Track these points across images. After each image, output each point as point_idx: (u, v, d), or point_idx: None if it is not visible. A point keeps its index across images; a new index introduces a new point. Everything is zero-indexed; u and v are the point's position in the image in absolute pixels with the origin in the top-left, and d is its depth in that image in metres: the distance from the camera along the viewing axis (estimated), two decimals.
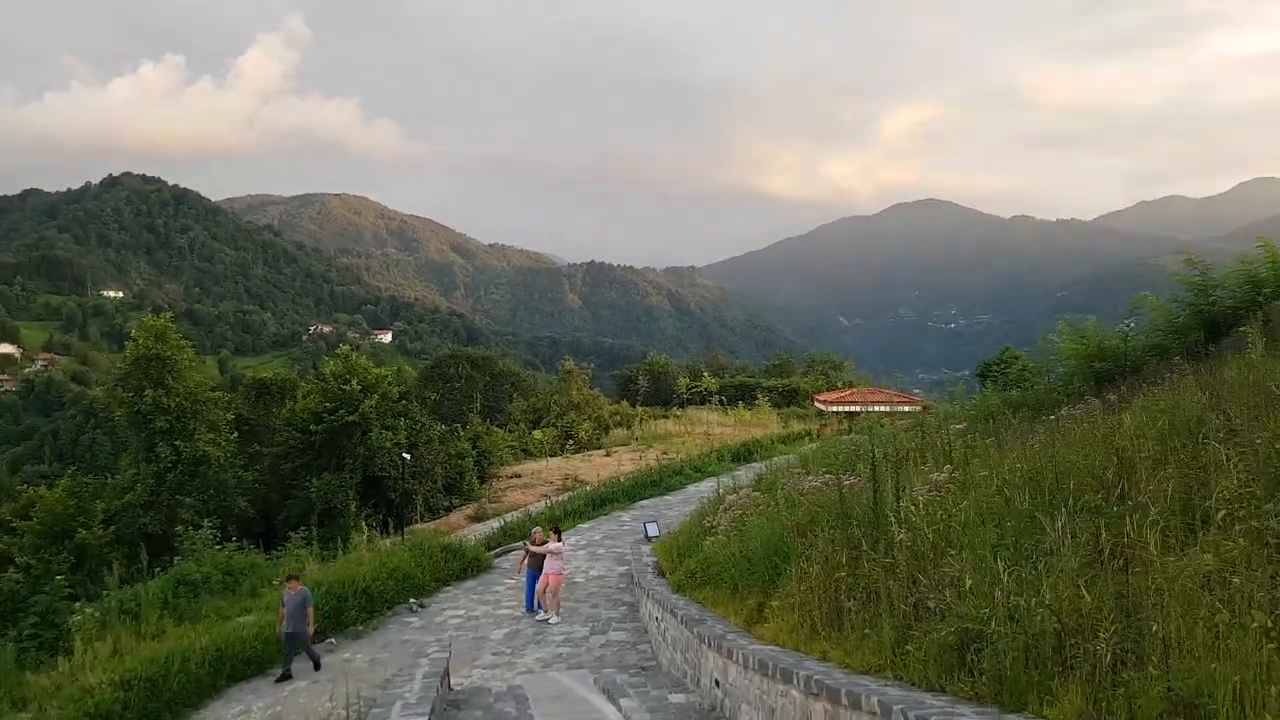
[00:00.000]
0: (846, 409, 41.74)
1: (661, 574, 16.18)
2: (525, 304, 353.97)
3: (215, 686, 13.58)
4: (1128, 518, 4.79)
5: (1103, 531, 4.75)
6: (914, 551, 6.49)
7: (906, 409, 27.73)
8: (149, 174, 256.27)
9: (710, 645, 9.21)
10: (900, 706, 4.35)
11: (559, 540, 16.67)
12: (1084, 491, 5.76)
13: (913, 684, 5.27)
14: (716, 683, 8.97)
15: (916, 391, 51.45)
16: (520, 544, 17.01)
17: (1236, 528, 4.28)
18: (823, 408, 46.67)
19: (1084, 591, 4.19)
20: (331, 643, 15.43)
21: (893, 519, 7.07)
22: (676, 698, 9.88)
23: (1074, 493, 5.79)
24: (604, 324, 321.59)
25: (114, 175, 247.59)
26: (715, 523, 13.59)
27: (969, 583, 5.13)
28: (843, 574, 7.27)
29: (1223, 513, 4.37)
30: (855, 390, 49.01)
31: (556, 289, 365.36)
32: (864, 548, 7.32)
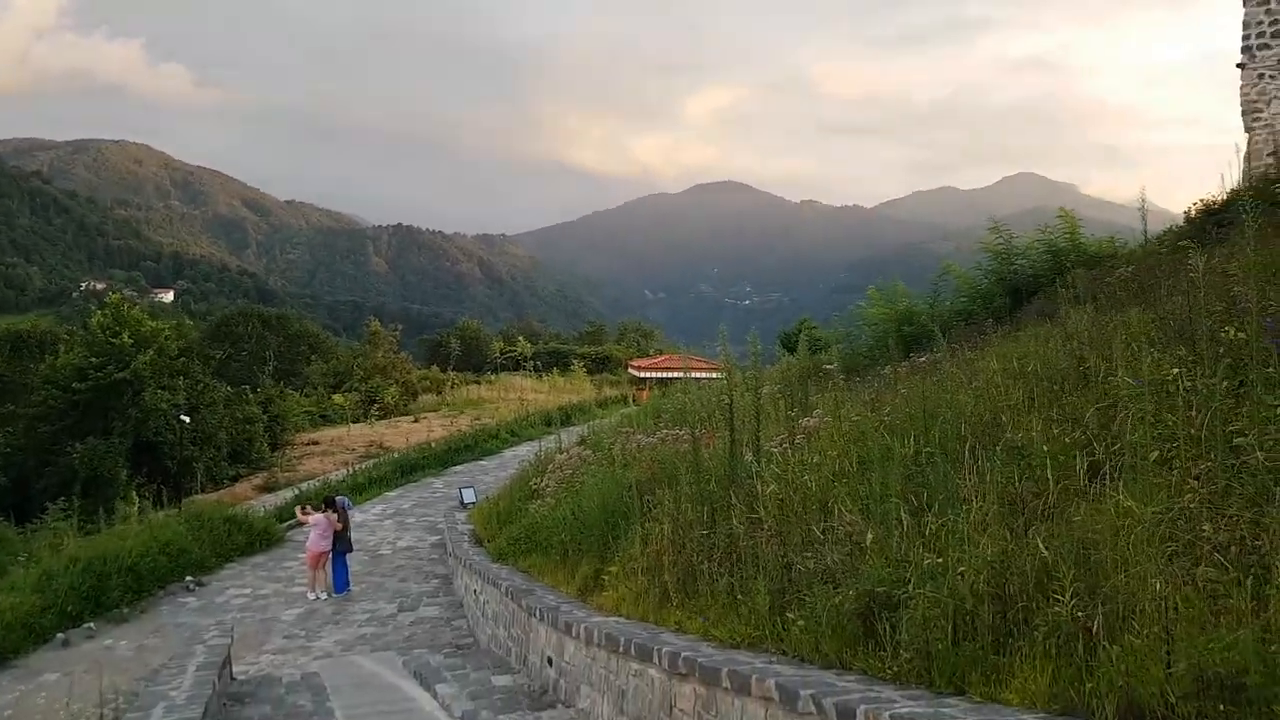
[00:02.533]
0: (660, 375, 41.98)
1: (479, 543, 15.01)
2: (326, 266, 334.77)
3: None
4: (1042, 461, 4.23)
5: (1017, 476, 4.17)
6: (785, 505, 5.80)
7: (715, 375, 27.95)
8: None
9: (542, 619, 8.24)
10: (809, 692, 3.55)
11: (327, 512, 15.32)
12: (969, 437, 5.27)
13: (802, 659, 4.54)
14: (549, 661, 8.01)
15: (722, 359, 52.64)
16: (320, 514, 15.28)
17: (1173, 470, 3.79)
18: (636, 374, 46.71)
19: (1040, 544, 3.54)
20: (90, 628, 13.17)
21: (756, 469, 6.37)
22: (501, 679, 8.84)
23: (960, 439, 5.29)
24: (412, 289, 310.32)
25: None
26: (542, 485, 12.59)
27: (870, 538, 4.42)
28: (699, 532, 6.51)
29: (1155, 454, 3.87)
30: (667, 357, 49.42)
31: (360, 251, 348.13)
32: (723, 504, 6.61)
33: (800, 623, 4.71)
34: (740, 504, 6.11)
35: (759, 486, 6.27)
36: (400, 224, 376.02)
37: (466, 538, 15.55)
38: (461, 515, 17.54)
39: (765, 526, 5.71)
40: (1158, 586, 2.94)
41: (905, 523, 4.41)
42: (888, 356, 13.18)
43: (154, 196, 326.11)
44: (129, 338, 26.93)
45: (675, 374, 39.98)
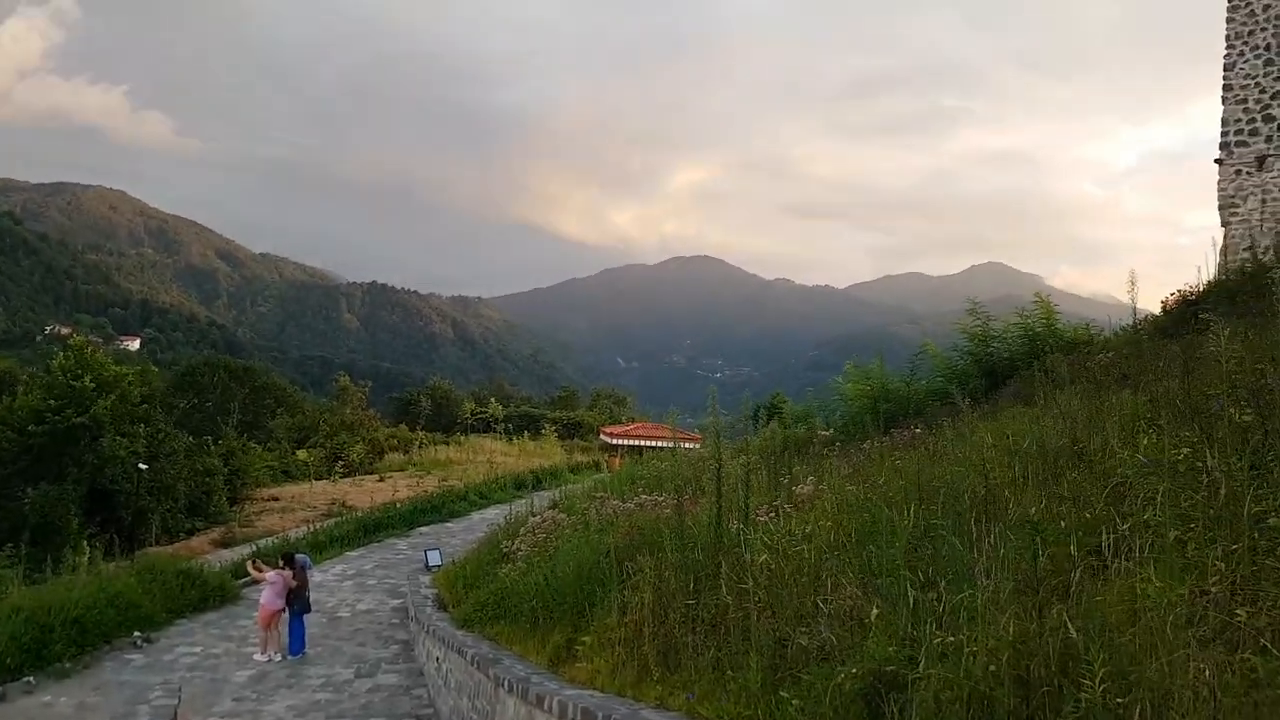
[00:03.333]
0: (632, 443, 41.65)
1: (444, 607, 14.50)
2: (296, 320, 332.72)
3: None
4: (1057, 537, 4.08)
5: (1031, 553, 4.01)
6: (776, 576, 5.58)
7: (689, 445, 27.75)
8: None
9: (511, 690, 7.83)
10: None
11: (283, 569, 14.82)
12: (971, 511, 5.12)
13: None
14: None
15: (696, 430, 52.49)
16: (275, 571, 14.69)
17: (1190, 551, 3.66)
18: (609, 440, 46.30)
19: (1067, 623, 3.36)
20: (29, 682, 12.40)
21: (745, 538, 6.16)
22: None
23: (960, 513, 5.14)
24: (383, 348, 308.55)
25: None
26: (513, 548, 12.21)
27: (874, 613, 4.22)
28: (685, 603, 6.24)
29: (1174, 534, 3.74)
30: (640, 424, 49.13)
31: (333, 307, 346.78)
32: (709, 573, 6.37)
33: (795, 702, 4.46)
34: (729, 573, 5.87)
35: (748, 556, 6.05)
36: (375, 281, 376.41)
37: (430, 602, 15.02)
38: (426, 578, 16.99)
39: (756, 598, 5.47)
40: (1203, 672, 2.77)
41: (912, 598, 4.21)
42: (866, 431, 13.14)
43: (127, 243, 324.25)
44: (90, 381, 26.25)
45: (648, 442, 39.76)
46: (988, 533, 4.49)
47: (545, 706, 6.74)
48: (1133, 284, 8.90)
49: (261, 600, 14.48)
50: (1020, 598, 3.83)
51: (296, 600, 14.57)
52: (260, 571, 14.88)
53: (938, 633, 3.85)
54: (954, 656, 3.64)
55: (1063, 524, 4.22)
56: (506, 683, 7.99)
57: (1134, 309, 11.37)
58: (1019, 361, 15.41)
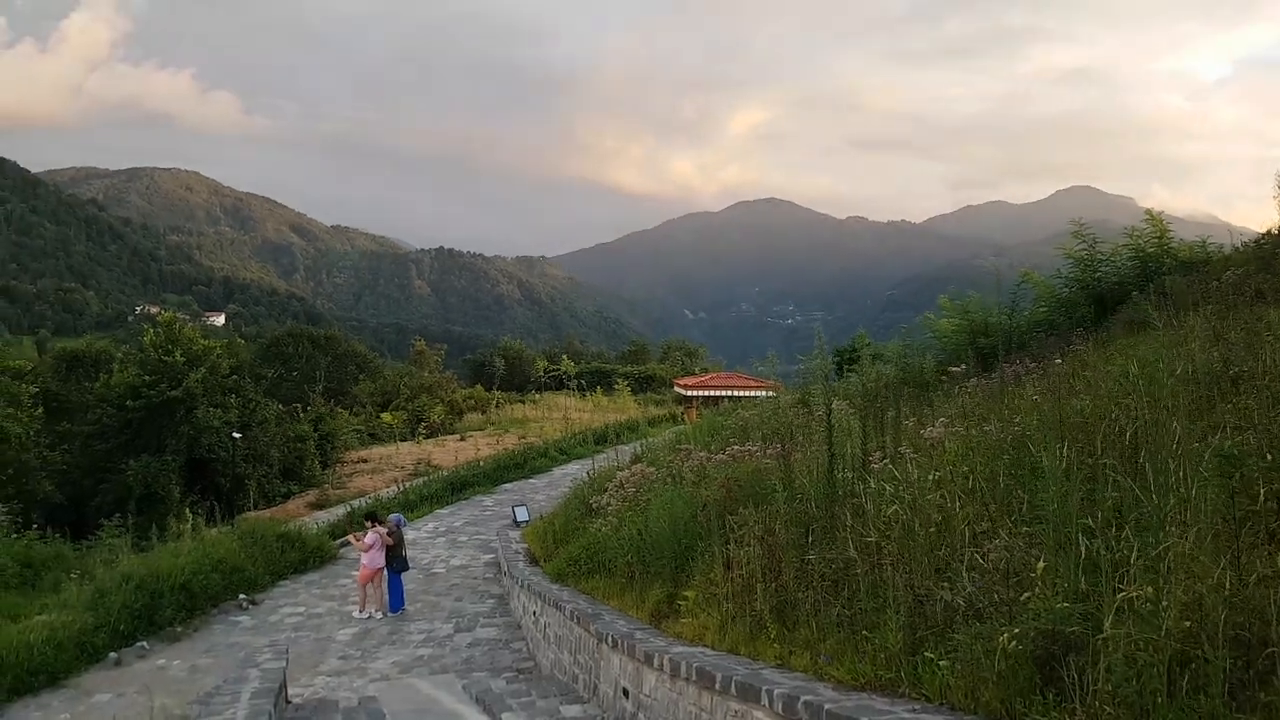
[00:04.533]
0: (707, 393, 41.26)
1: (535, 562, 14.49)
2: (371, 289, 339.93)
3: None
4: (1266, 473, 3.54)
5: (1231, 491, 3.47)
6: (908, 528, 5.13)
7: (766, 394, 27.23)
8: None
9: (615, 646, 7.62)
10: None
11: (376, 526, 15.00)
12: (1140, 446, 4.59)
13: (953, 707, 3.87)
14: (625, 692, 7.38)
15: (773, 378, 51.75)
16: (372, 531, 14.87)
17: None
18: (683, 392, 46.02)
19: None
20: (143, 646, 12.84)
21: (865, 487, 5.73)
22: (571, 710, 8.23)
23: (1125, 449, 4.61)
24: (453, 312, 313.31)
25: None
26: (602, 503, 12.00)
27: (1041, 566, 3.76)
28: (800, 557, 5.86)
29: None
30: (714, 375, 48.72)
31: (404, 275, 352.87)
32: (824, 525, 5.97)
33: (944, 664, 4.05)
34: (853, 525, 5.45)
35: (871, 505, 5.61)
36: (442, 247, 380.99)
37: (522, 557, 15.03)
38: (515, 534, 17.03)
39: (886, 551, 5.05)
40: None
41: (1083, 548, 3.73)
42: (967, 369, 12.42)
43: (205, 222, 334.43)
44: (181, 356, 27.01)
45: (724, 392, 39.30)
46: (1162, 470, 3.96)
47: (656, 664, 6.48)
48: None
49: (362, 560, 14.69)
50: (1224, 545, 3.33)
51: (394, 559, 14.74)
52: (360, 541, 14.97)
53: (1123, 586, 3.37)
54: (1147, 614, 3.18)
55: (1269, 457, 3.66)
56: (610, 639, 7.78)
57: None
58: (1130, 286, 14.33)
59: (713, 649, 6.51)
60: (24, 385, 25.28)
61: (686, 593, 7.70)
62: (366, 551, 14.59)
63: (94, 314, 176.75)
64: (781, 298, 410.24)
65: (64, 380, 30.61)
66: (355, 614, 14.44)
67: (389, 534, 14.92)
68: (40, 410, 25.64)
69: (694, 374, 54.40)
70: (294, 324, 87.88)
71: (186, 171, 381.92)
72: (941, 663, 4.09)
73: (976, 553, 4.52)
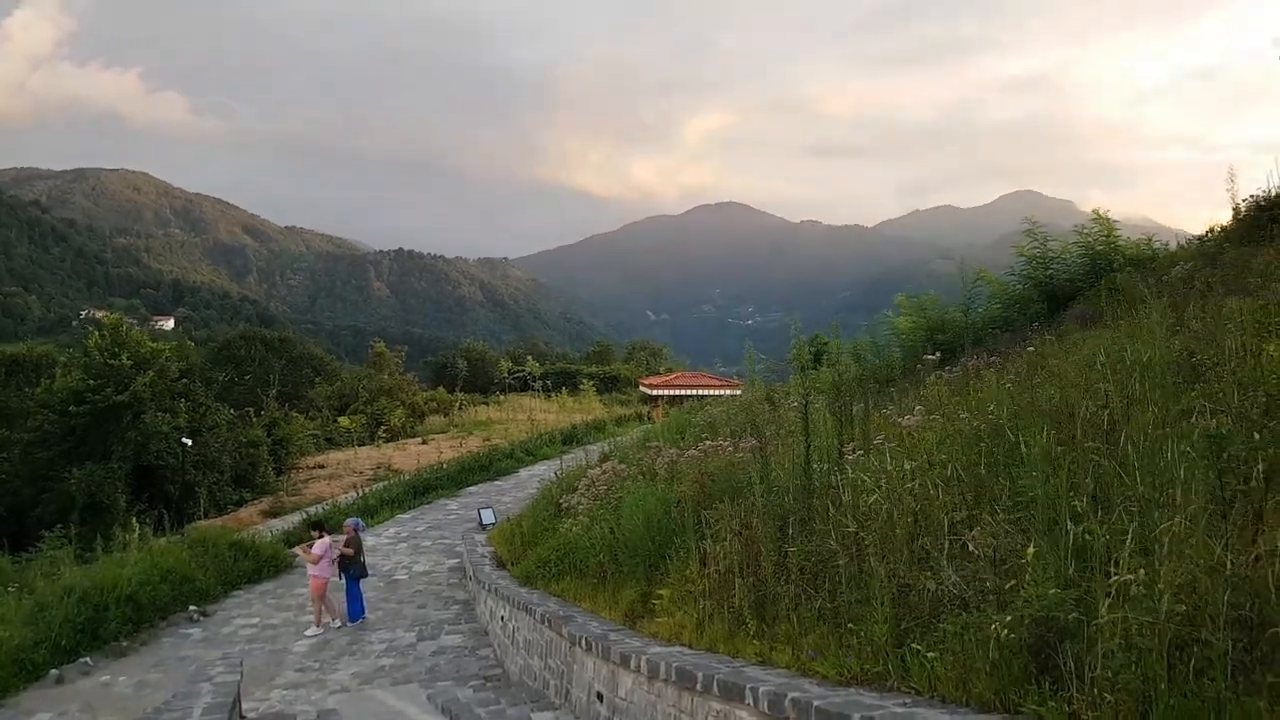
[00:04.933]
0: (673, 393, 41.22)
1: (502, 565, 14.21)
2: (327, 291, 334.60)
3: None
4: (1251, 453, 3.46)
5: (1216, 472, 3.39)
6: (885, 518, 5.02)
7: (730, 393, 27.26)
8: None
9: (589, 649, 7.42)
10: None
11: (321, 536, 14.52)
12: (1119, 429, 4.51)
13: (944, 700, 3.74)
14: (599, 696, 7.18)
15: (736, 377, 51.88)
16: (320, 542, 14.44)
17: None
18: (648, 391, 45.91)
19: None
20: (86, 662, 12.32)
21: (844, 477, 5.60)
22: (542, 717, 8.01)
23: (1104, 433, 4.54)
24: (413, 314, 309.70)
25: None
26: (573, 502, 11.79)
27: (1031, 551, 3.64)
28: (778, 551, 5.73)
29: None
30: (679, 374, 48.68)
31: (362, 276, 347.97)
32: (802, 517, 5.84)
33: (933, 655, 3.93)
34: (835, 516, 5.32)
35: (848, 495, 5.49)
36: (401, 248, 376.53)
37: (488, 561, 14.74)
38: (481, 537, 16.73)
39: (865, 542, 4.92)
40: None
41: (1071, 532, 3.63)
42: (922, 367, 12.44)
43: (153, 224, 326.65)
44: (128, 359, 26.21)
45: (688, 391, 39.28)
46: (1146, 453, 3.88)
47: (632, 666, 6.29)
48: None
49: (312, 571, 14.26)
50: (1213, 526, 3.24)
51: (352, 565, 14.35)
52: (308, 552, 14.43)
53: (1115, 570, 3.27)
54: (1142, 598, 3.07)
55: (1256, 435, 3.59)
56: (583, 641, 7.58)
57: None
58: (1080, 283, 14.64)
59: (690, 648, 6.35)
60: None
61: (661, 591, 7.54)
62: (315, 563, 14.07)
63: (36, 319, 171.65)
64: (742, 299, 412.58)
65: (3, 386, 29.56)
66: (310, 630, 13.91)
67: (347, 540, 14.53)
68: None
69: (659, 374, 54.31)
70: (246, 327, 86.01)
71: (134, 172, 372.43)
72: (930, 654, 3.98)
73: (958, 541, 4.41)
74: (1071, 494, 3.85)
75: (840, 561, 5.05)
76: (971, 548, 4.07)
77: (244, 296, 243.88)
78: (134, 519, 21.24)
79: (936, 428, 5.39)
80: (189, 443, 25.45)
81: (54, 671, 11.75)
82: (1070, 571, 3.60)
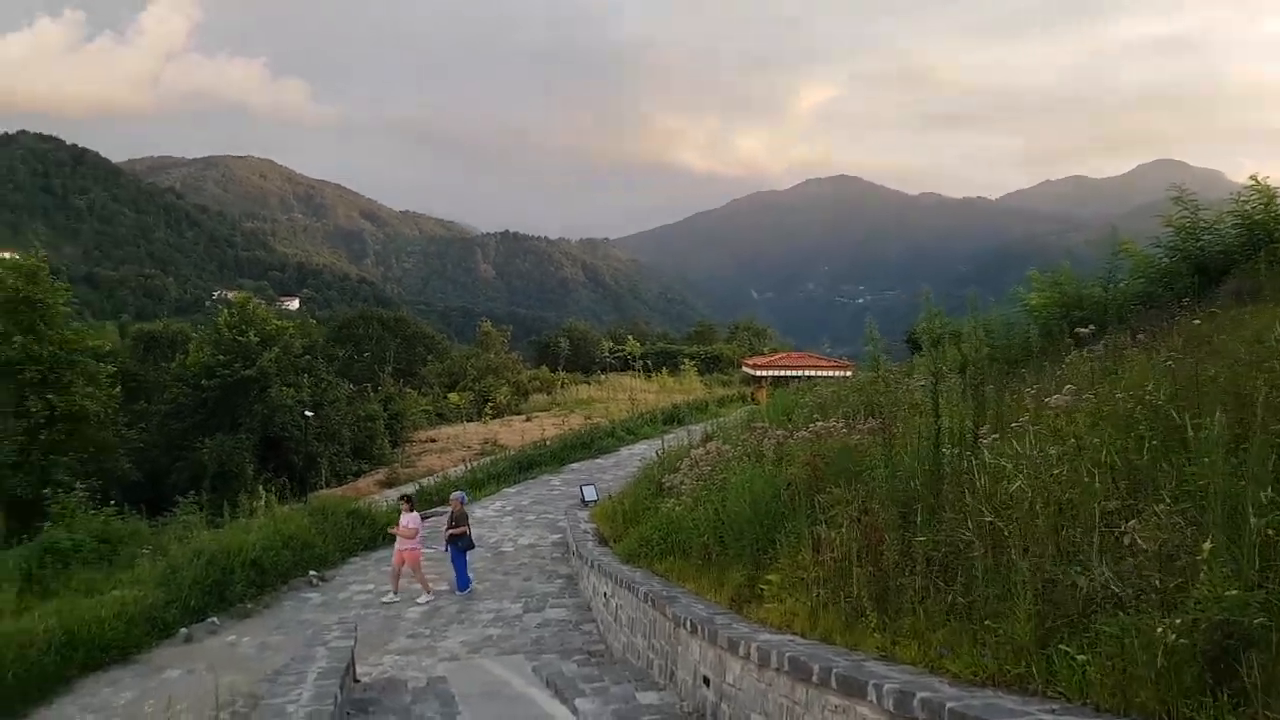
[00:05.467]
0: (777, 374, 40.50)
1: (604, 542, 14.19)
2: (438, 273, 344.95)
3: (63, 677, 10.97)
4: None
5: None
6: (1031, 508, 4.59)
7: (839, 374, 26.49)
8: (46, 133, 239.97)
9: (694, 631, 7.23)
10: None
11: (410, 509, 14.68)
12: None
13: (1098, 708, 3.36)
14: (705, 680, 6.98)
15: (843, 358, 50.64)
16: (441, 509, 14.74)
17: None
18: (751, 372, 45.29)
19: None
20: (214, 622, 12.95)
21: (980, 461, 5.19)
22: (647, 696, 7.88)
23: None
24: (518, 295, 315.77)
25: (9, 134, 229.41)
26: (676, 482, 11.61)
27: (1208, 547, 3.21)
28: (904, 539, 5.36)
29: None
30: (784, 354, 47.86)
31: (470, 259, 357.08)
32: (930, 504, 5.46)
33: (1084, 658, 3.54)
34: (970, 504, 4.92)
35: (985, 482, 5.07)
36: (507, 230, 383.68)
37: (591, 537, 14.75)
38: (583, 513, 16.78)
39: (1007, 533, 4.51)
40: None
41: (1255, 528, 3.18)
42: (1061, 346, 11.66)
43: (278, 209, 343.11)
44: (255, 336, 27.45)
45: (794, 372, 38.50)
46: None
47: (741, 652, 6.06)
48: None
49: (405, 545, 14.28)
50: None
51: (460, 538, 14.57)
52: (402, 529, 14.47)
53: None
54: None
55: None
56: (689, 623, 7.40)
57: None
58: (1236, 255, 13.41)
59: (803, 637, 6.07)
60: (102, 365, 25.95)
61: (770, 576, 7.26)
62: (412, 537, 14.25)
63: (173, 299, 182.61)
64: (850, 277, 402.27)
65: (141, 360, 31.50)
66: (420, 599, 14.17)
67: (453, 513, 14.71)
68: (118, 389, 26.28)
69: (762, 354, 53.56)
70: (364, 307, 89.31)
71: (260, 160, 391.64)
72: (1080, 657, 3.59)
73: (1112, 534, 3.97)
74: (1254, 484, 3.38)
75: (976, 553, 4.66)
76: (1131, 541, 3.64)
77: (362, 278, 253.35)
78: (260, 487, 22.34)
79: (1088, 408, 4.89)
80: (311, 415, 26.52)
81: (183, 630, 12.37)
82: (1254, 571, 3.16)
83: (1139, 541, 3.57)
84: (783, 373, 39.61)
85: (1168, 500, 3.82)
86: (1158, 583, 3.40)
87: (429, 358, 52.84)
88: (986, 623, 4.15)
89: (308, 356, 30.07)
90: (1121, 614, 3.52)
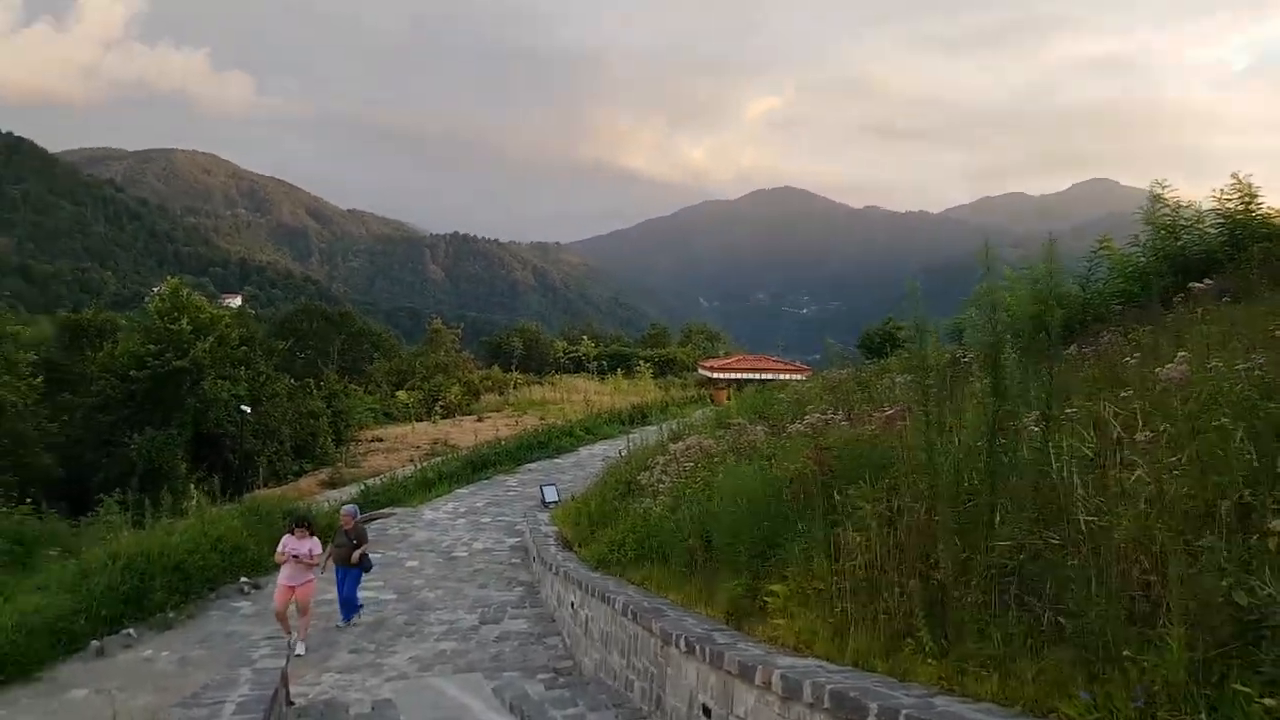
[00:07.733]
0: (734, 376, 39.89)
1: (568, 546, 13.14)
2: (385, 273, 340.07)
3: None
4: None
5: None
6: (1150, 503, 3.70)
7: (796, 377, 25.88)
8: None
9: (690, 652, 6.21)
10: None
11: (307, 535, 11.61)
12: None
13: None
14: (706, 711, 5.97)
15: (798, 361, 50.21)
16: (388, 510, 13.45)
17: None
18: (708, 374, 44.59)
19: None
20: (129, 634, 11.55)
21: (1055, 450, 4.30)
22: None
23: None
24: (466, 297, 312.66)
25: None
26: (651, 480, 10.62)
27: None
28: (993, 544, 4.44)
29: None
30: (741, 357, 47.27)
31: (418, 259, 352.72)
32: (987, 504, 4.55)
33: (1269, 702, 2.64)
34: (1062, 503, 4.02)
35: (1066, 475, 4.18)
36: (456, 232, 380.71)
37: (553, 541, 13.69)
38: (544, 515, 15.72)
39: (1116, 537, 3.61)
40: None
41: None
42: (1042, 343, 10.97)
43: (221, 205, 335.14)
44: (188, 324, 25.79)
45: (751, 375, 37.87)
46: None
47: (757, 681, 5.02)
48: None
49: (300, 578, 11.39)
50: None
51: (364, 558, 12.50)
52: (285, 557, 11.40)
53: None
54: None
55: None
56: (682, 641, 6.37)
57: None
58: (1215, 255, 13.04)
59: (831, 662, 5.09)
60: (22, 353, 24.06)
61: (774, 587, 6.30)
62: (309, 569, 11.48)
63: (111, 293, 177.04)
64: (796, 287, 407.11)
65: (67, 349, 29.42)
66: (299, 648, 11.16)
67: (345, 529, 12.54)
68: (40, 380, 24.44)
69: (718, 357, 52.90)
70: (308, 301, 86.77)
71: (203, 154, 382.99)
72: (1266, 700, 2.69)
73: (1260, 538, 3.09)
74: None
75: (1072, 562, 3.75)
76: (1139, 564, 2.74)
77: (307, 277, 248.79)
78: (192, 486, 20.76)
79: (1205, 379, 4.01)
80: (248, 410, 24.96)
81: (95, 643, 10.98)
82: None
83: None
84: (739, 375, 39.03)
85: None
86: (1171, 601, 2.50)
87: (375, 355, 51.12)
88: (1125, 654, 3.21)
89: (245, 349, 28.40)
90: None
